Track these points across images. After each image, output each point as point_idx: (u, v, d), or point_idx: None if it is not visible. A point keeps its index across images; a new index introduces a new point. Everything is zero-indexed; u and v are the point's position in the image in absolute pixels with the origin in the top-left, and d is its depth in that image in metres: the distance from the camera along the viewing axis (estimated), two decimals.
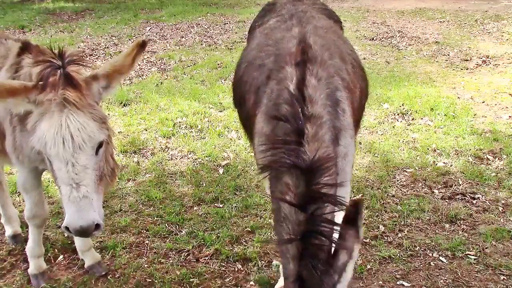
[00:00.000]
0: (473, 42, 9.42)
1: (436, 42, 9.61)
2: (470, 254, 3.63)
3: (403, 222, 4.05)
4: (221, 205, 4.36)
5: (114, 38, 10.91)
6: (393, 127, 5.82)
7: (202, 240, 3.86)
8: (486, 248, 3.69)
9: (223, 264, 3.61)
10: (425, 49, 9.17)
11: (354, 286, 3.33)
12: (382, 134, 5.65)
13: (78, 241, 3.53)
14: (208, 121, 6.12)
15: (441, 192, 4.48)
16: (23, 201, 3.57)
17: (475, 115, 6.06)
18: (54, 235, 3.96)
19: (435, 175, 4.75)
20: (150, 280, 3.46)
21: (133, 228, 4.04)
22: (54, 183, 3.88)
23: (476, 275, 3.44)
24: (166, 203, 4.41)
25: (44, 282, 3.41)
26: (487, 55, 8.47)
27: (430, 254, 3.67)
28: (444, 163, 4.98)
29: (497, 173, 4.74)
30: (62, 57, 2.50)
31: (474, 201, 4.32)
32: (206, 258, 3.68)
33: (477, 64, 8.12)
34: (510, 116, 5.99)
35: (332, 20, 3.36)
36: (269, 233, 3.91)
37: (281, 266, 3.24)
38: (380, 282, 3.39)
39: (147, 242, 3.87)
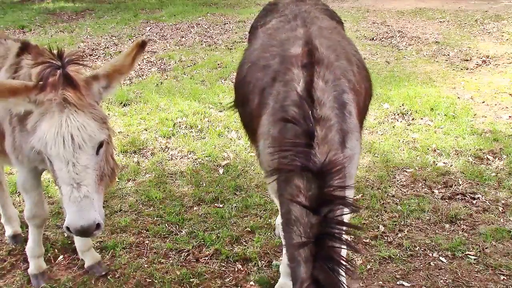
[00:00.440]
0: (473, 42, 9.41)
1: (436, 42, 9.60)
2: (470, 254, 3.63)
3: (403, 222, 4.05)
4: (221, 205, 4.36)
5: (114, 38, 10.91)
6: (393, 127, 5.82)
7: (202, 240, 3.86)
8: (486, 248, 3.69)
9: (223, 264, 3.61)
10: (425, 49, 9.17)
11: (354, 286, 3.33)
12: (382, 134, 5.65)
13: (78, 241, 3.53)
14: (208, 121, 6.12)
15: (441, 192, 4.48)
16: (23, 201, 3.57)
17: (475, 115, 6.06)
18: (54, 235, 3.96)
19: (435, 175, 4.75)
20: (150, 280, 3.46)
21: (133, 228, 4.04)
22: (54, 183, 3.88)
23: (476, 275, 3.44)
24: (166, 203, 4.40)
25: (44, 282, 3.41)
26: (487, 55, 8.46)
27: (430, 254, 3.66)
28: (444, 163, 4.98)
29: (497, 173, 4.73)
30: (61, 57, 2.50)
31: (474, 201, 4.31)
32: (206, 258, 3.68)
33: (477, 64, 8.12)
34: (510, 116, 5.99)
35: (335, 21, 3.35)
36: (269, 233, 3.91)
37: (281, 266, 3.25)
38: (380, 282, 3.39)
39: (147, 242, 3.87)
